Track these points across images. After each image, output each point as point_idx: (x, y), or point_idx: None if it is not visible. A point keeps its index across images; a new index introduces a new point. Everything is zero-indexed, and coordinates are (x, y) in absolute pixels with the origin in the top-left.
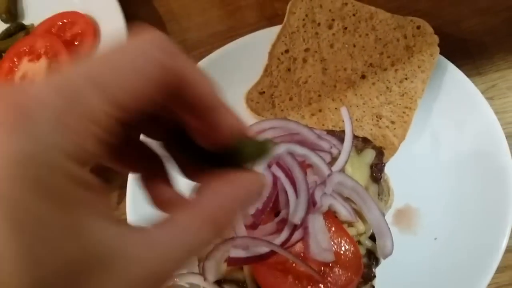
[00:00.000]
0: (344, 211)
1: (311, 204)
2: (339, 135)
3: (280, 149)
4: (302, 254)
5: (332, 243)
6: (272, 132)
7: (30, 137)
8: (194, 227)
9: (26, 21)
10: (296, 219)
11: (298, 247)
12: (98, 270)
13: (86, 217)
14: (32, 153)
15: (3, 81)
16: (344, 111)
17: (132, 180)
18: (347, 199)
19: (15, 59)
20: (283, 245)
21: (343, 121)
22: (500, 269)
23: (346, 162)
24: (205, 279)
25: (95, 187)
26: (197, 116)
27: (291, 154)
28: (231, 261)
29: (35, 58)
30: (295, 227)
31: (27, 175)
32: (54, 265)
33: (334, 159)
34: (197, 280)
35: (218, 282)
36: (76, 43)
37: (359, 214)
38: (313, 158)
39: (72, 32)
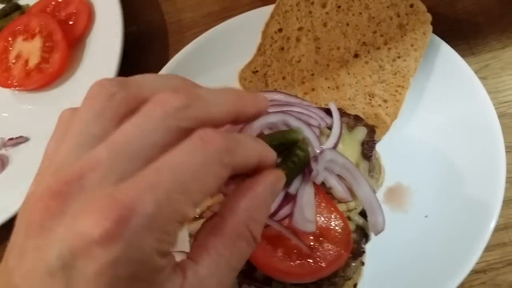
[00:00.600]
0: (339, 188)
1: (307, 173)
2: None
3: (275, 119)
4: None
5: (322, 218)
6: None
7: (126, 242)
8: (227, 251)
9: (21, 1)
10: (292, 189)
11: (287, 221)
12: None
13: None
14: (128, 255)
15: None
16: (332, 106)
17: None
18: (339, 177)
19: (9, 38)
20: (271, 217)
21: (336, 99)
22: (490, 248)
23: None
24: None
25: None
26: None
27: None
28: None
29: (30, 37)
30: (284, 200)
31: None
32: None
33: (321, 133)
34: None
35: None
36: (70, 23)
37: (349, 191)
38: (307, 131)
39: (67, 12)
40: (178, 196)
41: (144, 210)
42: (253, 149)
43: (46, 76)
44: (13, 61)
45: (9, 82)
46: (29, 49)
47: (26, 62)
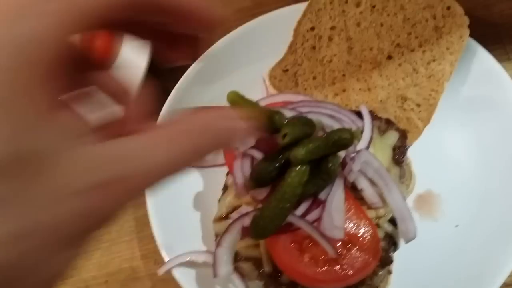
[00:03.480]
0: (370, 191)
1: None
2: (357, 113)
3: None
4: None
5: (351, 224)
6: (301, 104)
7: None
8: (162, 145)
9: None
10: (322, 194)
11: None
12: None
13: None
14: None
15: None
16: (363, 109)
17: None
18: (370, 182)
19: None
20: (302, 217)
21: (367, 102)
22: None
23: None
24: (214, 276)
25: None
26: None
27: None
28: (245, 231)
29: None
30: (313, 204)
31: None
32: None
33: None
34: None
35: (234, 258)
36: None
37: (379, 197)
38: None
39: None
40: None
41: None
42: None
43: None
44: None
45: None
46: None
47: None
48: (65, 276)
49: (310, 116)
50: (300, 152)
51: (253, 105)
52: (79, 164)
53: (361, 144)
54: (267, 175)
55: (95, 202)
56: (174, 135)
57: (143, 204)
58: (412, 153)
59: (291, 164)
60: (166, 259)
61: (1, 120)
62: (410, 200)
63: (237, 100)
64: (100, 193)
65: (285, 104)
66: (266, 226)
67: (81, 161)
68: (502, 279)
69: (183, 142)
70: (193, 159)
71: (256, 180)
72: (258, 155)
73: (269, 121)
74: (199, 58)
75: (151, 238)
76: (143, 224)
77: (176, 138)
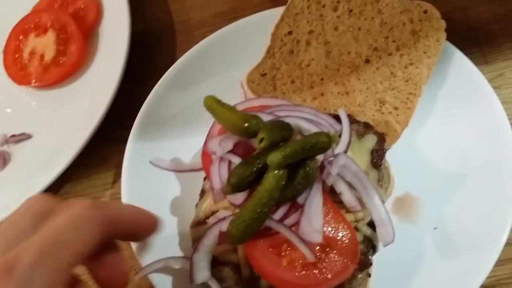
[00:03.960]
0: (348, 194)
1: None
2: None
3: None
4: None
5: (329, 228)
6: (279, 108)
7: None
8: None
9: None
10: (301, 198)
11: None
12: None
13: None
14: None
15: (12, 60)
16: (341, 112)
17: (128, 160)
18: (348, 185)
19: (20, 37)
20: (280, 221)
21: (345, 105)
22: (500, 262)
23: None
24: (191, 282)
25: None
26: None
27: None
28: (222, 236)
29: (42, 32)
30: (292, 207)
31: None
32: None
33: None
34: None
35: (212, 263)
36: (78, 18)
37: (358, 200)
38: None
39: (75, 7)
40: (54, 248)
41: (24, 262)
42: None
43: (66, 68)
44: (28, 58)
45: (27, 79)
46: (43, 44)
47: (42, 57)
48: None
49: (288, 120)
50: (277, 156)
51: (231, 109)
52: None
53: (339, 148)
54: (244, 180)
55: None
56: None
57: None
58: (391, 156)
59: (269, 169)
60: (142, 265)
61: None
62: (388, 203)
63: (214, 105)
64: None
65: (263, 108)
66: (243, 230)
67: None
68: (480, 281)
69: None
70: None
71: (234, 184)
72: (235, 159)
73: (246, 125)
74: (176, 63)
75: (126, 243)
76: None
77: None
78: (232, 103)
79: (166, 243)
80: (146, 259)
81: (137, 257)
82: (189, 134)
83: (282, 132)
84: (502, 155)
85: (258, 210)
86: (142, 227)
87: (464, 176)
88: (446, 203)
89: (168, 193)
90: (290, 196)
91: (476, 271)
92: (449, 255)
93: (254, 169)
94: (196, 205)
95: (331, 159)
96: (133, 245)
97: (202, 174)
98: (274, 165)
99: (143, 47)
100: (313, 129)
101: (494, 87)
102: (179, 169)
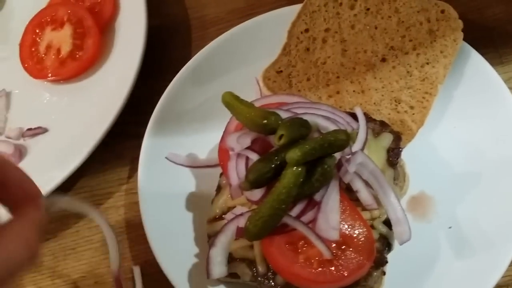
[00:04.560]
0: (365, 192)
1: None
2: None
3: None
4: None
5: (346, 225)
6: (297, 105)
7: None
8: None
9: None
10: (318, 195)
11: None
12: None
13: None
14: None
15: (28, 53)
16: (358, 111)
17: (144, 155)
18: (365, 183)
19: (37, 30)
20: (297, 217)
21: (361, 104)
22: None
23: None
24: (208, 277)
25: None
26: None
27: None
28: (239, 232)
29: (59, 26)
30: (308, 204)
31: None
32: None
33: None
34: None
35: (228, 259)
36: (95, 12)
37: (374, 198)
38: None
39: (91, 1)
40: None
41: None
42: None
43: (82, 62)
44: (44, 52)
45: (43, 73)
46: (60, 38)
47: (58, 51)
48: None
49: (305, 117)
50: (296, 153)
51: (249, 105)
52: None
53: (356, 146)
54: (262, 176)
55: None
56: None
57: (134, 204)
58: (406, 155)
59: (287, 165)
60: (158, 259)
61: None
62: (403, 202)
63: (232, 101)
64: None
65: (280, 105)
66: (261, 227)
67: None
68: (495, 280)
69: None
70: None
71: (252, 181)
72: (253, 156)
73: (265, 122)
74: (192, 59)
75: (142, 238)
76: (135, 224)
77: None
78: (247, 99)
79: (182, 238)
80: (162, 254)
81: (152, 252)
82: (204, 130)
83: (301, 129)
84: None
85: (276, 206)
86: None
87: (479, 175)
88: (461, 202)
89: (184, 188)
90: (307, 193)
91: (491, 270)
92: (463, 254)
93: (273, 165)
94: (212, 200)
95: (348, 156)
96: (150, 240)
97: (218, 170)
98: (293, 162)
99: (158, 42)
100: (331, 126)
101: (510, 88)
102: (195, 165)
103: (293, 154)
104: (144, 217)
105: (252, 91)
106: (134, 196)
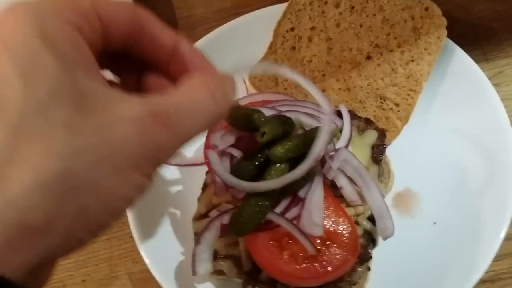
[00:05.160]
0: (349, 189)
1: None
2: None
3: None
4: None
5: (330, 222)
6: (281, 103)
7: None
8: (200, 94)
9: None
10: (301, 192)
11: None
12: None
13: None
14: (42, 7)
15: None
16: (343, 108)
17: None
18: (349, 180)
19: None
20: (281, 214)
21: (346, 101)
22: (499, 257)
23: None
24: (193, 274)
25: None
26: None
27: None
28: (224, 229)
29: None
30: (292, 201)
31: (37, 22)
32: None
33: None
34: None
35: (214, 256)
36: None
37: (358, 194)
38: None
39: None
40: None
41: None
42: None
43: None
44: None
45: None
46: None
47: None
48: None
49: (289, 114)
50: (279, 150)
51: (233, 103)
52: (129, 101)
53: (340, 143)
54: (247, 173)
55: (148, 129)
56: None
57: None
58: (391, 152)
59: (271, 162)
60: (144, 258)
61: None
62: (388, 198)
63: None
64: (151, 121)
65: (265, 103)
66: (245, 223)
67: (130, 101)
68: (478, 275)
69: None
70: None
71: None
72: (237, 153)
73: (248, 120)
74: None
75: (129, 237)
76: (121, 222)
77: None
78: (234, 98)
79: (168, 236)
80: (148, 252)
81: (139, 250)
82: None
83: (284, 126)
84: (501, 152)
85: (260, 203)
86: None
87: (463, 172)
88: (446, 198)
89: (171, 186)
90: (291, 189)
91: (475, 266)
92: (447, 250)
93: (256, 163)
94: (198, 198)
95: (332, 153)
96: (136, 238)
97: (205, 168)
98: (276, 159)
99: None
100: (314, 123)
101: (495, 84)
102: (181, 163)
103: (276, 151)
104: (130, 216)
105: (238, 90)
106: None
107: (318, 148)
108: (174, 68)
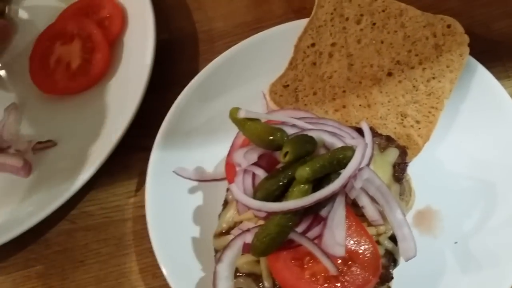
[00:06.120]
0: (371, 208)
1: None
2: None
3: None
4: None
5: (352, 241)
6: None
7: None
8: None
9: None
10: (324, 211)
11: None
12: None
13: None
14: None
15: (38, 66)
16: (364, 126)
17: (152, 168)
18: (371, 199)
19: (47, 44)
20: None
21: (367, 118)
22: None
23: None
24: None
25: None
26: None
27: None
28: (246, 248)
29: (68, 41)
30: (314, 220)
31: None
32: None
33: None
34: None
35: (235, 273)
36: (104, 26)
37: (380, 214)
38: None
39: (100, 16)
40: None
41: None
42: None
43: (92, 77)
44: (54, 66)
45: (53, 87)
46: (69, 52)
47: (68, 65)
48: None
49: (311, 133)
50: (306, 171)
51: (256, 121)
52: None
53: (363, 162)
54: (271, 194)
55: None
56: None
57: (142, 217)
58: (412, 169)
59: (294, 182)
60: (165, 273)
61: None
62: (409, 216)
63: (239, 117)
64: None
65: (287, 121)
66: (268, 244)
67: None
68: None
69: None
70: None
71: (261, 199)
72: (259, 172)
73: (270, 138)
74: (199, 73)
75: (149, 251)
76: (142, 237)
77: None
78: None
79: (188, 252)
80: (169, 268)
81: (159, 265)
82: (211, 143)
83: (306, 145)
84: None
85: (283, 223)
86: None
87: (485, 190)
88: (467, 217)
89: (191, 202)
90: (313, 209)
91: (497, 286)
92: (469, 270)
93: (280, 183)
94: (219, 215)
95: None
96: (157, 253)
97: (225, 183)
98: (302, 180)
99: (166, 56)
100: (337, 142)
101: None
102: (202, 179)
103: (303, 172)
104: (151, 231)
105: (259, 105)
106: (141, 210)
107: (349, 169)
108: None
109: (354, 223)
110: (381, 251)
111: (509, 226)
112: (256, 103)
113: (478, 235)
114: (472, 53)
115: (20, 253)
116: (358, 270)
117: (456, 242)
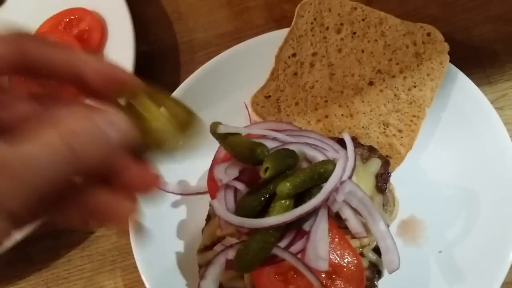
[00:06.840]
0: (354, 220)
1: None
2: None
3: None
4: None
5: (335, 254)
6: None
7: None
8: (54, 145)
9: None
10: (306, 225)
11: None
12: None
13: None
14: None
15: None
16: (346, 137)
17: None
18: (354, 211)
19: None
20: (286, 248)
21: (349, 128)
22: (505, 285)
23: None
24: None
25: None
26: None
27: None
28: (229, 264)
29: None
30: (297, 233)
31: None
32: None
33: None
34: None
35: None
36: (83, 39)
37: (363, 226)
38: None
39: (79, 29)
40: None
41: None
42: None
43: None
44: None
45: None
46: None
47: None
48: None
49: (292, 146)
50: (287, 186)
51: (237, 137)
52: None
53: (344, 174)
54: (252, 210)
55: None
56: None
57: (126, 233)
58: (395, 179)
59: (276, 198)
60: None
61: None
62: (393, 226)
63: (219, 132)
64: None
65: (268, 134)
66: (251, 260)
67: None
68: None
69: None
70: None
71: (242, 215)
72: (240, 186)
73: (251, 153)
74: (180, 86)
75: (134, 267)
76: (126, 253)
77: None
78: (236, 124)
79: (173, 267)
80: (153, 283)
81: (144, 281)
82: (194, 157)
83: (287, 160)
84: (506, 177)
85: (265, 240)
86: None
87: (468, 198)
88: (451, 225)
89: (175, 216)
90: (296, 223)
91: None
92: (453, 279)
93: (262, 198)
94: (203, 230)
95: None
96: (141, 270)
97: (209, 196)
98: (284, 195)
99: (147, 67)
100: (318, 155)
101: (497, 108)
102: (185, 192)
103: (284, 188)
104: (134, 247)
105: (241, 116)
106: (125, 225)
107: (330, 184)
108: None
109: (337, 236)
110: (365, 263)
111: (492, 233)
112: (239, 114)
113: (462, 243)
114: (453, 60)
115: (3, 270)
116: (343, 283)
117: (440, 251)
